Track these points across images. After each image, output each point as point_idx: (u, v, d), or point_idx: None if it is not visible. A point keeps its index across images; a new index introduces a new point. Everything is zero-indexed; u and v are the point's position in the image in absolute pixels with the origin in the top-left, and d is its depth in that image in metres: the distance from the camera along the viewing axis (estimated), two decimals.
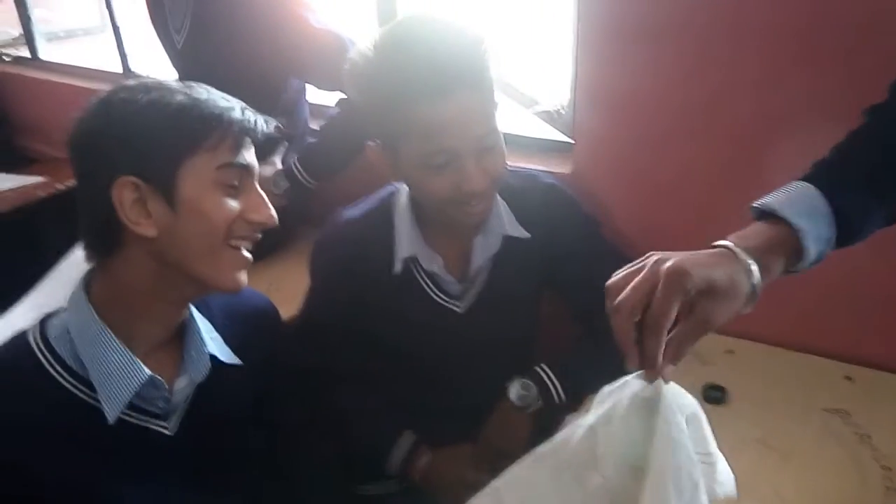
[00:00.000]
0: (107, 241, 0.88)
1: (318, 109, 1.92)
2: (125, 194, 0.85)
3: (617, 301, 0.73)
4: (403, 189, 1.23)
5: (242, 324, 1.03)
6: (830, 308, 1.28)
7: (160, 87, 0.89)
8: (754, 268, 0.74)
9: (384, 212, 1.23)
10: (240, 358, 1.00)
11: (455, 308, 1.24)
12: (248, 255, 0.94)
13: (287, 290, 1.56)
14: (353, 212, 1.26)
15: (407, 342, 1.27)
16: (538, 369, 1.23)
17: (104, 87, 0.90)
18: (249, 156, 0.92)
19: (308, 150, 1.69)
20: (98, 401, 0.87)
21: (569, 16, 1.38)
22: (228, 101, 0.92)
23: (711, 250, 0.76)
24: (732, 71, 1.23)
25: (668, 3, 1.25)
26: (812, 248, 0.77)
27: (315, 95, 1.89)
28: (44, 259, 1.70)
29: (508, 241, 1.23)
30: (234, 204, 0.90)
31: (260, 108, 0.96)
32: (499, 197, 1.20)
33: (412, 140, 1.05)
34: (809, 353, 1.31)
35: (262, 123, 0.94)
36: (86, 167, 0.89)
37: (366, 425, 1.29)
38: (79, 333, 0.88)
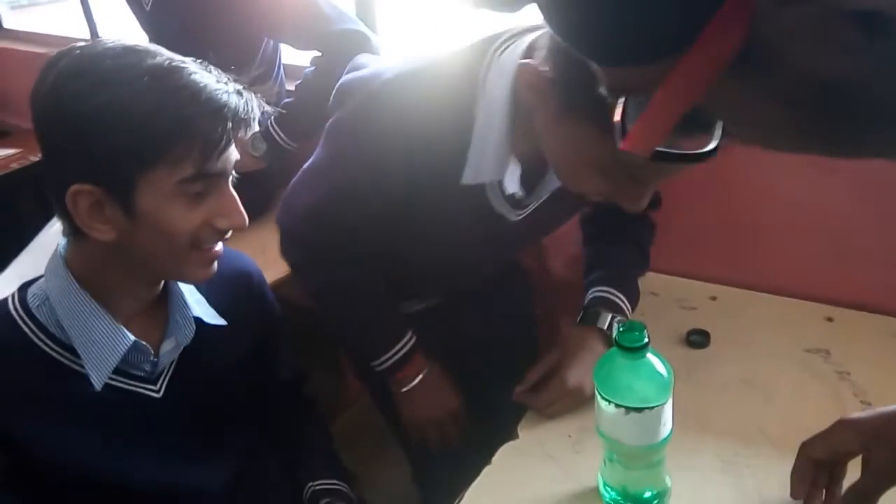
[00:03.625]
0: (71, 228, 0.85)
1: (292, 69, 1.89)
2: (80, 201, 0.80)
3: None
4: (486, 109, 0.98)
5: (226, 285, 1.02)
6: (811, 252, 1.30)
7: (117, 80, 0.78)
8: None
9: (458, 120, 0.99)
10: (224, 318, 1.00)
11: (510, 217, 1.13)
12: (219, 247, 0.90)
13: (270, 253, 1.54)
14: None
15: (446, 246, 1.15)
16: (616, 299, 1.17)
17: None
18: (221, 161, 0.83)
19: (285, 110, 1.67)
20: (83, 366, 0.87)
21: None
22: (204, 97, 0.80)
23: None
24: None
25: None
26: None
27: (290, 55, 1.85)
28: (22, 231, 1.69)
29: None
30: (198, 213, 0.84)
31: (236, 69, 0.90)
32: None
33: None
34: (791, 297, 1.32)
35: (249, 112, 0.84)
36: (44, 159, 0.84)
37: (374, 311, 1.22)
38: (59, 300, 0.87)
